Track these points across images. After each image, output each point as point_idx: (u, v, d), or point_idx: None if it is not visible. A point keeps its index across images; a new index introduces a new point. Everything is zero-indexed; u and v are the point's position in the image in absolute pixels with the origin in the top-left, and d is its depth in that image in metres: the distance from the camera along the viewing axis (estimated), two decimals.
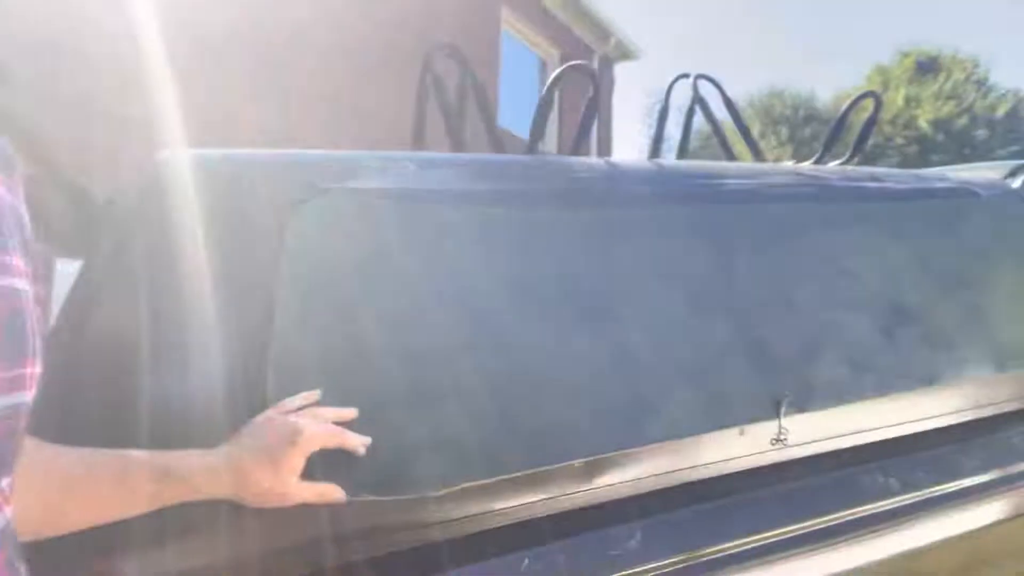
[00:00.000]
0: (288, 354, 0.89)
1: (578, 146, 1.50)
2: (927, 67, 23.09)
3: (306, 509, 0.83)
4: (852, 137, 1.89)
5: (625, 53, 11.48)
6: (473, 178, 1.13)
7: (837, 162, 1.85)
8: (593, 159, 1.31)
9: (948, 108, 21.42)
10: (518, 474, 0.96)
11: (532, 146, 1.43)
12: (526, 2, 9.29)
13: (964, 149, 21.25)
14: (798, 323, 1.26)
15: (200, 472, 0.76)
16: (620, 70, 11.98)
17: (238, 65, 5.47)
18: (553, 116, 9.82)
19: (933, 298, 1.41)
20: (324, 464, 0.85)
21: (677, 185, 1.29)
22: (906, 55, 23.82)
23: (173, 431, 0.80)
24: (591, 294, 1.12)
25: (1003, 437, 1.40)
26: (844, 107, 1.83)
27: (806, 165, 1.69)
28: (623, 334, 1.11)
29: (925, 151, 20.85)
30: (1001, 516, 1.31)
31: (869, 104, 1.90)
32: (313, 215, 0.98)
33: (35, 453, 0.67)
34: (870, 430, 1.27)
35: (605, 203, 1.21)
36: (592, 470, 1.03)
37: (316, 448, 0.82)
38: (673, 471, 1.10)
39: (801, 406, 1.19)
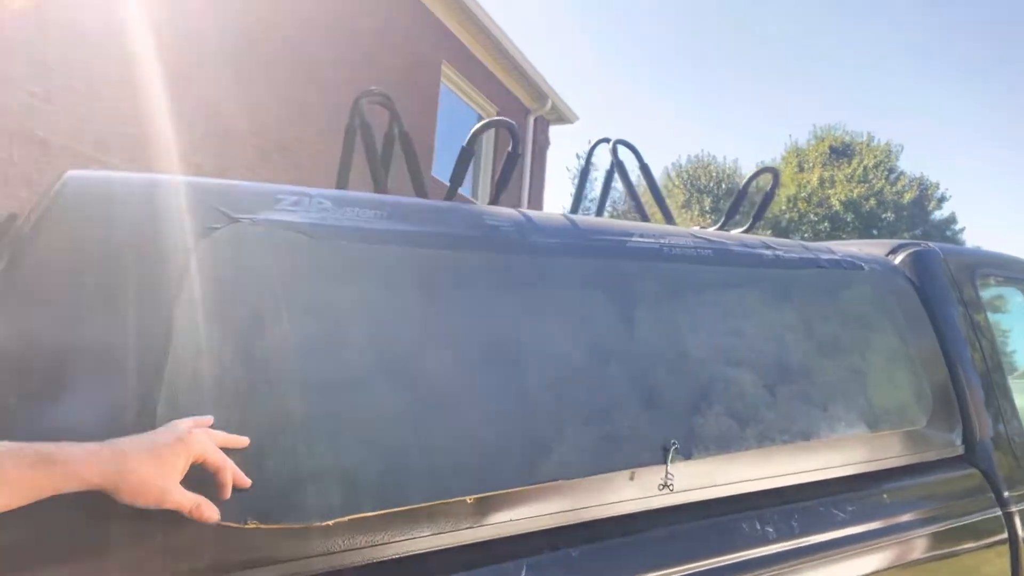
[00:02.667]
0: (182, 376, 0.90)
1: (497, 198, 1.57)
2: (841, 152, 24.74)
3: (191, 534, 0.83)
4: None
5: (561, 116, 11.88)
6: (383, 218, 1.17)
7: (738, 230, 1.98)
8: (504, 208, 1.38)
9: (859, 190, 22.94)
10: (409, 507, 0.98)
11: (450, 194, 1.49)
12: (466, 60, 9.55)
13: (872, 229, 22.72)
14: (689, 375, 1.33)
15: (80, 457, 0.74)
16: (557, 132, 12.39)
17: (174, 99, 5.41)
18: (487, 169, 10.02)
19: (813, 360, 1.52)
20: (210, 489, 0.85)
21: (581, 238, 1.37)
22: (821, 139, 25.48)
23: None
24: (492, 335, 1.17)
25: (874, 493, 1.50)
26: (745, 180, 1.98)
27: (705, 229, 1.81)
28: (522, 374, 1.16)
29: (836, 228, 22.19)
30: (869, 569, 1.39)
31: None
32: (222, 243, 1.00)
33: None
34: (752, 480, 1.35)
35: (511, 250, 1.27)
36: (484, 506, 1.06)
37: (200, 454, 0.81)
38: (564, 511, 1.14)
39: (687, 454, 1.26)
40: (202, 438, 0.82)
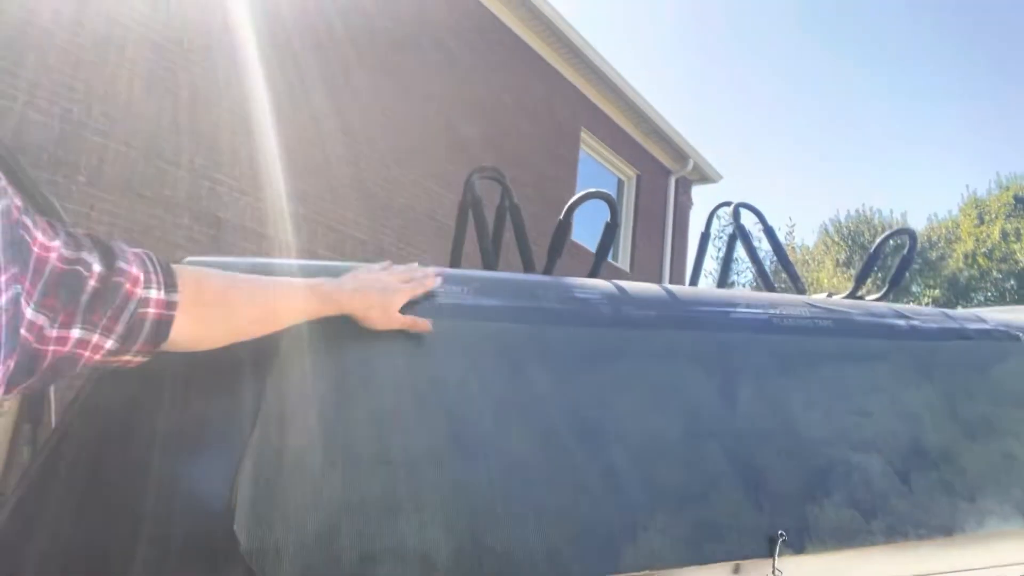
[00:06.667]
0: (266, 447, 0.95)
1: (597, 269, 1.55)
2: None
3: None
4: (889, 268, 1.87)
5: (704, 176, 11.68)
6: (471, 294, 1.19)
7: (872, 297, 1.83)
8: (601, 282, 1.36)
9: None
10: None
11: (548, 267, 1.50)
12: (605, 125, 9.69)
13: None
14: (802, 459, 1.22)
15: (337, 288, 1.03)
16: (700, 192, 12.16)
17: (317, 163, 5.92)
18: (627, 236, 9.99)
19: (956, 444, 1.34)
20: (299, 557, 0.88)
21: (678, 310, 1.32)
22: (1005, 189, 23.16)
23: None
24: (581, 411, 1.14)
25: None
26: (877, 242, 1.83)
27: (825, 297, 1.69)
28: (615, 454, 1.12)
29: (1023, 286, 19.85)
30: None
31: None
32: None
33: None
34: None
35: (602, 323, 1.24)
36: None
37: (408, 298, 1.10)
38: None
39: (799, 547, 1.15)
40: (407, 289, 1.11)
